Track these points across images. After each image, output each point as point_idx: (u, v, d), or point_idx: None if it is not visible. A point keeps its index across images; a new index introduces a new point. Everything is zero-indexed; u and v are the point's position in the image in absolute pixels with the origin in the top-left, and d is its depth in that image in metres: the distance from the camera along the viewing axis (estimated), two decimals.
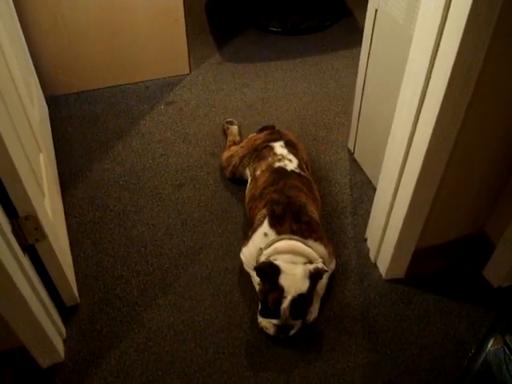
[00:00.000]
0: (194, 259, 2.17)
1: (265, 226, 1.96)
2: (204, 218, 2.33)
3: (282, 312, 1.79)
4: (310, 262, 1.86)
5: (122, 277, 2.10)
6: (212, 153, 2.63)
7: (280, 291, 1.78)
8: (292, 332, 1.86)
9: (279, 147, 2.27)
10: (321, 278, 1.84)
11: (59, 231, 2.00)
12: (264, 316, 1.85)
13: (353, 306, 2.02)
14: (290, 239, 1.90)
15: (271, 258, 1.85)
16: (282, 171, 2.15)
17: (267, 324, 1.85)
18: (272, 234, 1.94)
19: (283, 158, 2.21)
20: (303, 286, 1.79)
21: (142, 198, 2.41)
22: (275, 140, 2.31)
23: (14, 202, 1.51)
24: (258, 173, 2.20)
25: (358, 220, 2.32)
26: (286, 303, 1.77)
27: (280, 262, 1.83)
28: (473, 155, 1.75)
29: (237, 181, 2.42)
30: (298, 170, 2.17)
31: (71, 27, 2.70)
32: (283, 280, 1.79)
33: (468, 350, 1.88)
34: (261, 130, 2.51)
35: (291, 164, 2.19)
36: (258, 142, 2.35)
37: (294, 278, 1.79)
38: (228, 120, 2.71)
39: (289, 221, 1.95)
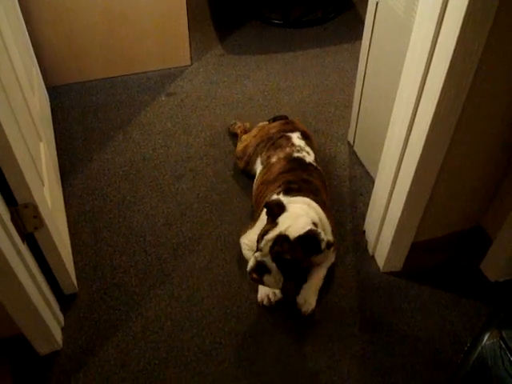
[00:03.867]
0: (193, 250, 2.18)
1: (280, 196, 1.94)
2: (203, 208, 2.34)
3: (263, 242, 1.75)
4: (317, 226, 1.81)
5: (121, 266, 2.12)
6: (212, 144, 2.63)
7: (274, 225, 1.77)
8: (265, 279, 1.76)
9: (296, 138, 2.26)
10: (314, 250, 1.77)
11: (58, 220, 2.01)
12: (259, 236, 1.80)
13: (350, 298, 2.03)
14: (308, 197, 1.90)
15: (283, 199, 1.84)
16: (301, 162, 2.14)
17: (250, 256, 1.81)
18: (286, 200, 1.91)
19: (301, 149, 2.20)
20: (296, 230, 1.74)
21: (142, 188, 2.42)
22: (291, 131, 2.31)
23: (13, 190, 1.52)
24: (273, 160, 2.19)
25: (356, 213, 2.33)
26: (270, 235, 1.74)
27: (293, 205, 1.82)
28: (471, 149, 1.76)
29: (247, 174, 2.42)
30: (315, 164, 2.17)
31: (73, 18, 2.70)
32: (283, 217, 1.78)
33: (464, 343, 1.89)
34: (273, 120, 2.50)
35: (309, 157, 2.19)
36: (273, 131, 2.34)
37: (292, 220, 1.77)
38: (232, 122, 2.69)
39: (306, 194, 1.94)
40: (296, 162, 2.13)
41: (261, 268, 1.76)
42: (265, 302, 1.95)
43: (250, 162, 2.37)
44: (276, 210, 1.80)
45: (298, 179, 2.02)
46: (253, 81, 3.03)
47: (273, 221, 1.79)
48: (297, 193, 1.94)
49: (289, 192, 1.95)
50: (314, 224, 1.81)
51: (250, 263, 1.78)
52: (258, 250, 1.78)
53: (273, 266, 1.74)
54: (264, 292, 1.96)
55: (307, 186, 2.00)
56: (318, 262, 1.97)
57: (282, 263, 1.74)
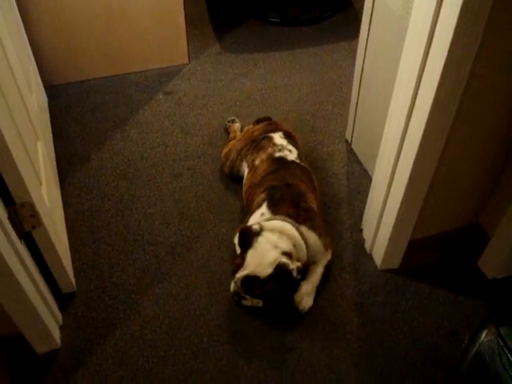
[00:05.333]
0: (190, 248, 2.18)
1: (263, 208, 1.98)
2: (200, 207, 2.34)
3: (235, 279, 1.83)
4: (289, 254, 1.84)
5: (119, 265, 2.12)
6: (210, 143, 2.63)
7: (243, 262, 1.82)
8: (245, 303, 1.90)
9: (278, 138, 2.27)
10: (287, 280, 1.82)
11: (56, 219, 2.01)
12: (232, 272, 1.88)
13: (347, 295, 2.03)
14: (282, 220, 1.91)
15: (255, 227, 1.86)
16: (283, 161, 2.15)
17: (232, 280, 1.89)
18: (268, 214, 1.96)
19: (283, 148, 2.21)
20: (263, 271, 1.79)
21: (140, 187, 2.42)
22: (273, 131, 2.32)
23: (11, 189, 1.53)
24: (257, 162, 2.20)
25: (353, 210, 2.33)
26: (239, 274, 1.81)
27: (261, 237, 1.84)
28: (467, 146, 1.76)
29: (234, 178, 2.42)
30: (298, 161, 2.18)
31: (71, 16, 2.70)
32: (250, 254, 1.82)
33: (461, 340, 1.89)
34: (257, 122, 2.51)
35: (291, 154, 2.19)
36: (256, 134, 2.35)
37: (259, 259, 1.81)
38: (230, 119, 2.70)
39: (287, 205, 1.96)
40: (278, 162, 2.15)
41: (237, 294, 1.89)
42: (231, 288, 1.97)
43: (235, 167, 2.38)
44: (244, 243, 1.85)
45: (282, 183, 2.04)
46: (250, 79, 3.03)
47: (242, 250, 1.86)
48: (276, 207, 1.96)
49: (272, 202, 1.98)
50: (286, 253, 1.84)
51: (231, 287, 1.92)
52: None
53: (247, 296, 1.87)
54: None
55: (289, 192, 2.01)
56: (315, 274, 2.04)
57: (254, 296, 1.86)
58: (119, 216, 2.30)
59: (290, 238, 1.87)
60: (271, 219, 1.93)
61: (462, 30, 1.37)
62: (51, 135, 2.61)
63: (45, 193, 1.87)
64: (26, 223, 1.63)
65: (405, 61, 1.64)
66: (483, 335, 1.58)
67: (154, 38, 2.93)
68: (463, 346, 1.66)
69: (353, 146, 2.60)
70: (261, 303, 1.89)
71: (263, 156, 2.20)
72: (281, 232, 1.87)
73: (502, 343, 1.53)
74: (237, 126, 2.64)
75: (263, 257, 1.81)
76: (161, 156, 2.56)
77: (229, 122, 2.67)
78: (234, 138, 2.52)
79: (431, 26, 1.44)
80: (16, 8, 2.49)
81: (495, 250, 2.02)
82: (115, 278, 2.07)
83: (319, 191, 2.22)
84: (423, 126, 1.60)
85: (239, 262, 1.84)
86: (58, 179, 2.40)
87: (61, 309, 1.95)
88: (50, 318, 1.81)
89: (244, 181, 2.27)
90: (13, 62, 1.94)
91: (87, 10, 2.70)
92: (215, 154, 2.57)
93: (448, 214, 2.03)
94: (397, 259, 2.09)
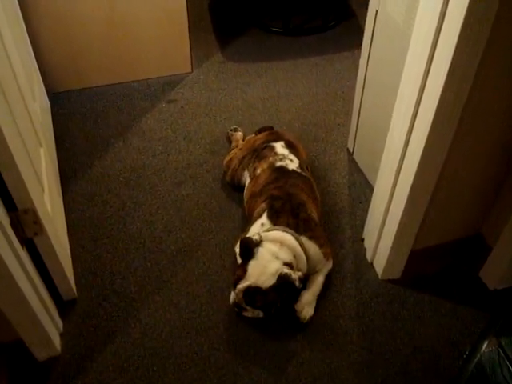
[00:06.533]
0: (192, 256, 2.18)
1: (263, 218, 1.99)
2: (202, 215, 2.34)
3: (236, 290, 1.83)
4: (290, 265, 1.85)
5: (120, 272, 2.12)
6: (212, 151, 2.64)
7: (244, 272, 1.82)
8: (246, 314, 1.91)
9: (280, 147, 2.28)
10: (289, 291, 1.83)
11: (58, 226, 2.01)
12: (233, 283, 1.87)
13: (348, 305, 2.03)
14: (283, 231, 1.91)
15: (255, 238, 1.86)
16: (284, 170, 2.16)
17: (233, 291, 1.89)
18: (268, 225, 1.96)
19: (284, 157, 2.22)
20: (266, 281, 1.80)
21: (142, 194, 2.42)
22: (275, 140, 2.32)
23: (13, 195, 1.53)
24: (258, 172, 2.21)
25: (355, 220, 2.33)
26: (241, 285, 1.81)
27: (262, 248, 1.85)
28: (469, 157, 1.76)
29: (236, 187, 2.42)
30: (299, 170, 2.18)
31: (74, 25, 2.71)
32: (251, 265, 1.83)
33: (462, 351, 1.88)
34: (259, 131, 2.52)
35: (292, 164, 2.20)
36: (257, 143, 2.36)
37: (261, 270, 1.81)
38: (232, 127, 2.70)
39: (287, 215, 1.96)
40: (279, 171, 2.16)
41: (238, 305, 1.90)
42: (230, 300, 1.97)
43: (236, 176, 2.38)
44: (245, 253, 1.85)
45: (282, 193, 2.05)
46: (253, 88, 3.04)
47: (242, 261, 1.86)
48: (276, 217, 1.97)
49: (272, 213, 1.98)
50: (287, 264, 1.84)
51: (231, 299, 1.93)
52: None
53: (248, 307, 1.87)
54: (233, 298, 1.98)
55: (290, 202, 2.01)
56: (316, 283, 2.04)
57: (256, 307, 1.86)
58: (121, 223, 2.30)
59: (290, 248, 1.88)
60: (271, 229, 1.93)
61: (465, 43, 1.37)
62: (54, 142, 2.62)
63: (47, 199, 1.87)
64: (28, 229, 1.63)
65: (407, 73, 1.65)
66: (484, 346, 1.59)
67: (157, 46, 2.94)
68: (464, 356, 1.66)
69: (354, 155, 2.61)
70: (261, 314, 1.89)
71: (264, 165, 2.20)
72: (281, 243, 1.87)
73: (502, 354, 1.53)
74: (239, 134, 2.64)
75: (265, 267, 1.81)
76: (163, 164, 2.57)
77: (231, 130, 2.68)
78: (236, 147, 2.52)
79: (433, 38, 1.45)
80: (21, 16, 2.50)
81: (497, 260, 2.02)
82: (116, 286, 2.07)
83: (320, 200, 2.23)
84: (425, 139, 1.60)
85: (240, 273, 1.84)
86: (60, 186, 2.40)
87: (61, 316, 1.95)
88: (51, 324, 1.81)
89: (245, 190, 2.27)
90: (17, 68, 1.95)
91: (90, 18, 2.71)
92: (217, 162, 2.57)
93: (450, 224, 2.03)
94: (398, 269, 2.09)
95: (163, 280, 2.10)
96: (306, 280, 1.99)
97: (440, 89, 1.47)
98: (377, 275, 2.13)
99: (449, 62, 1.41)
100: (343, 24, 3.58)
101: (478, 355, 1.59)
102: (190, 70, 3.13)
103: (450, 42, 1.39)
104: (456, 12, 1.34)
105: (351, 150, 2.63)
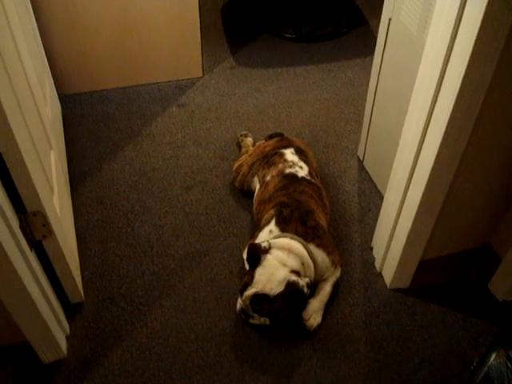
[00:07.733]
0: (200, 261, 2.17)
1: (271, 225, 1.98)
2: (211, 220, 2.34)
3: (243, 297, 1.83)
4: (298, 272, 1.84)
5: (128, 276, 2.12)
6: (222, 156, 2.64)
7: (251, 279, 1.82)
8: (252, 321, 1.91)
9: (290, 154, 2.27)
10: (297, 298, 1.82)
11: (67, 228, 2.01)
12: (240, 289, 1.87)
13: (356, 314, 2.02)
14: (291, 238, 1.91)
15: (263, 245, 1.85)
16: (293, 177, 2.15)
17: (240, 297, 1.88)
18: (277, 232, 1.96)
19: (294, 164, 2.21)
20: (273, 289, 1.79)
21: (151, 198, 2.42)
22: (285, 147, 2.32)
23: (23, 197, 1.53)
24: (267, 178, 2.20)
25: (364, 228, 2.32)
26: (248, 292, 1.81)
27: (269, 255, 1.84)
28: (480, 168, 1.75)
29: (245, 193, 2.42)
30: (308, 177, 2.18)
31: (86, 27, 2.72)
32: (258, 272, 1.82)
33: (470, 362, 1.87)
34: (269, 138, 2.51)
35: (302, 171, 2.19)
36: (267, 149, 2.35)
37: (269, 277, 1.81)
38: (243, 133, 2.70)
39: (295, 223, 1.96)
40: (288, 178, 2.15)
41: (244, 312, 1.90)
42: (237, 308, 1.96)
43: (246, 181, 2.37)
44: (253, 260, 1.85)
45: (291, 200, 2.04)
46: (264, 94, 3.04)
47: (250, 268, 1.86)
48: (285, 224, 1.96)
49: (280, 220, 1.98)
50: (295, 271, 1.84)
51: (238, 306, 1.92)
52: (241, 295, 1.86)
53: (255, 314, 1.87)
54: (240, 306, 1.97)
55: (298, 209, 2.00)
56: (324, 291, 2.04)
57: (262, 315, 1.85)
58: (129, 227, 2.30)
59: (298, 256, 1.87)
60: (279, 236, 1.93)
61: (479, 51, 1.36)
62: (64, 144, 2.62)
63: (56, 202, 1.87)
64: (37, 232, 1.63)
65: (420, 81, 1.64)
66: (492, 358, 1.57)
67: (168, 50, 2.95)
68: (472, 368, 1.65)
69: (364, 163, 2.60)
70: (268, 322, 1.88)
71: (274, 172, 2.20)
72: (289, 250, 1.87)
73: (511, 366, 1.52)
74: (249, 140, 2.64)
75: (272, 275, 1.81)
76: (172, 168, 2.57)
77: (241, 135, 2.68)
78: (246, 153, 2.52)
79: (448, 48, 1.44)
80: (34, 18, 2.51)
81: (506, 271, 2.01)
82: (123, 290, 2.07)
83: (330, 208, 2.22)
84: (437, 150, 1.59)
85: (247, 279, 1.83)
86: (69, 188, 2.41)
87: (68, 318, 1.95)
88: (58, 327, 1.81)
89: (255, 196, 2.26)
90: (29, 71, 1.96)
91: (102, 22, 2.72)
92: (227, 167, 2.57)
93: (459, 235, 2.02)
94: (407, 279, 2.08)
95: (171, 284, 2.09)
96: (313, 288, 1.98)
97: (453, 101, 1.46)
98: (385, 284, 2.11)
99: (463, 73, 1.40)
100: (355, 31, 3.57)
101: (486, 367, 1.57)
102: (201, 75, 3.13)
103: (465, 50, 1.38)
104: (471, 20, 1.33)
105: (361, 158, 2.62)
